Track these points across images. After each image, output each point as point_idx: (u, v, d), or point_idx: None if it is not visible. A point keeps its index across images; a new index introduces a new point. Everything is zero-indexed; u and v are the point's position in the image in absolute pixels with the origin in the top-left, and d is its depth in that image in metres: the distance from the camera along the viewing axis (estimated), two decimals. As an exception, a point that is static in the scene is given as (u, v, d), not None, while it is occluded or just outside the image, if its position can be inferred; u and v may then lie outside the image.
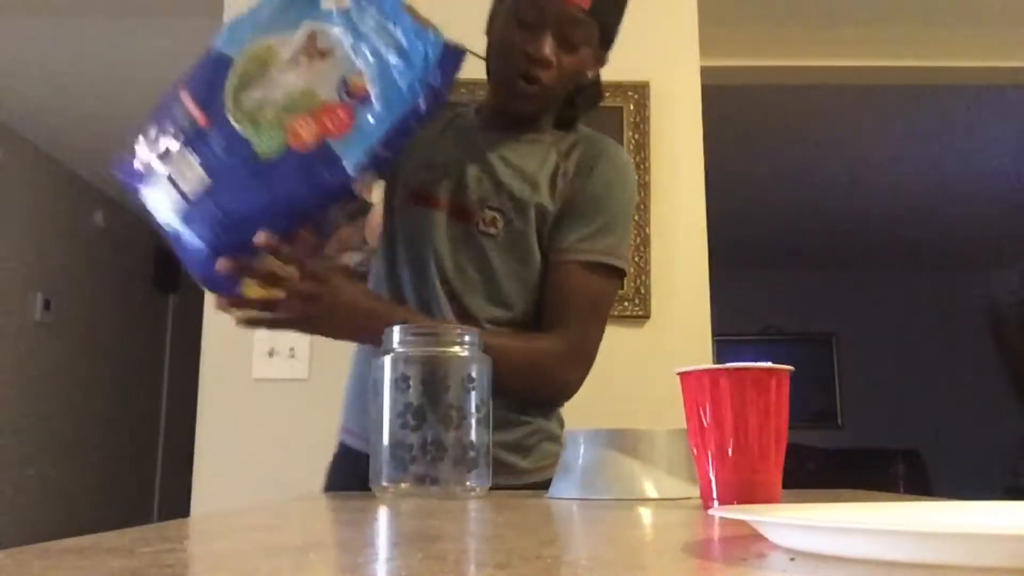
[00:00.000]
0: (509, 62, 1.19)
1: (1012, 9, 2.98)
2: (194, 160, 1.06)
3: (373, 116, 1.04)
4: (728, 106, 3.41)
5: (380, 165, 1.06)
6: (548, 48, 1.16)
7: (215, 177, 1.05)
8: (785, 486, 0.79)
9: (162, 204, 1.08)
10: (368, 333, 1.10)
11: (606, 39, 1.23)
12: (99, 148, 4.42)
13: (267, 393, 2.23)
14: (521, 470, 1.23)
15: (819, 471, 6.04)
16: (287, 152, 1.04)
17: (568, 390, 1.25)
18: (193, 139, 1.06)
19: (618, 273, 1.25)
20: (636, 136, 2.36)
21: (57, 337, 4.65)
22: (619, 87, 2.36)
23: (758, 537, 0.49)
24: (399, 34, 1.05)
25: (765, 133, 4.33)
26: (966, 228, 5.88)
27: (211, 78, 1.08)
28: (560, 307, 1.22)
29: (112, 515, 5.07)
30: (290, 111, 1.05)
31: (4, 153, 4.18)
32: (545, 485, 1.20)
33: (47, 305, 4.53)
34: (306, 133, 1.04)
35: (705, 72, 2.47)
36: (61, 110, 3.96)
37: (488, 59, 1.26)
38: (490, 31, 1.26)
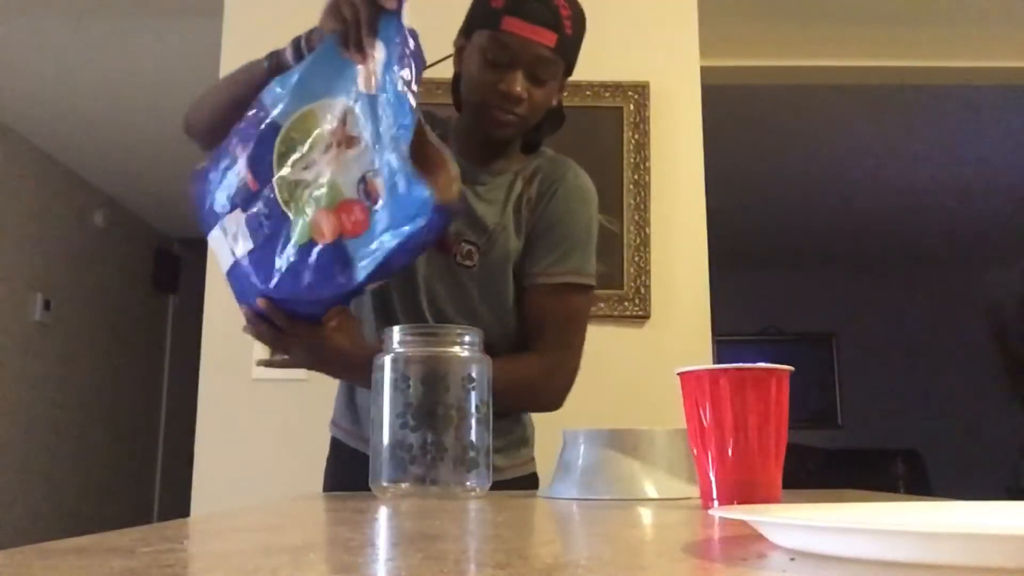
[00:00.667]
0: (484, 99, 1.26)
1: (1012, 9, 2.98)
2: (243, 224, 1.12)
3: (384, 224, 1.07)
4: (728, 106, 3.41)
5: (386, 276, 1.10)
6: (520, 86, 1.23)
7: (257, 244, 1.11)
8: (785, 486, 0.79)
9: (216, 245, 1.16)
10: (350, 374, 1.25)
11: (568, 71, 1.32)
12: (99, 148, 4.42)
13: (266, 393, 2.24)
14: (499, 468, 1.28)
15: (819, 471, 6.04)
16: (311, 244, 1.08)
17: (556, 401, 1.32)
18: (245, 199, 1.13)
19: (588, 288, 1.33)
20: (636, 136, 2.36)
21: (57, 337, 4.65)
22: (619, 87, 2.35)
23: (758, 537, 0.49)
24: (407, 163, 1.08)
25: (765, 133, 4.32)
26: (966, 227, 5.88)
27: (261, 140, 1.13)
28: (538, 328, 1.30)
29: (112, 515, 5.07)
30: (318, 202, 1.09)
31: (4, 153, 4.18)
32: (523, 482, 1.32)
33: (47, 305, 4.53)
34: (327, 228, 1.08)
35: (705, 72, 2.47)
36: (61, 110, 3.96)
37: (458, 92, 1.33)
38: (458, 64, 1.32)
